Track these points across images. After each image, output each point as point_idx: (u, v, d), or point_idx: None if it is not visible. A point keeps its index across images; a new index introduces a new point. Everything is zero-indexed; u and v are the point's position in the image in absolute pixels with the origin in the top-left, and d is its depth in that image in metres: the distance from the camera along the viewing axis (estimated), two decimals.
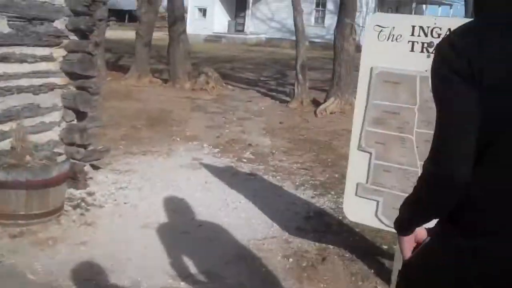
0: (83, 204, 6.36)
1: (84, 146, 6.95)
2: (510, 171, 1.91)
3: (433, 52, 2.78)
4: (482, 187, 1.93)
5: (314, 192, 7.47)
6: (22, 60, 6.45)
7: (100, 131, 7.93)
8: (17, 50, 6.39)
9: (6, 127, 6.30)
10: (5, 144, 6.24)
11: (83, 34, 6.93)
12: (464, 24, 1.98)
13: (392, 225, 2.22)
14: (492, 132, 1.87)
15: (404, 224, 2.16)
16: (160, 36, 26.16)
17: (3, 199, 5.51)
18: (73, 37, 6.88)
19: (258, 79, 20.17)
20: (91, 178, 7.02)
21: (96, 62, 7.67)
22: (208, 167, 8.35)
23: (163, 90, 16.66)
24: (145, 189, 7.14)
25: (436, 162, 1.92)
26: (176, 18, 17.94)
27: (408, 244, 2.19)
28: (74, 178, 6.62)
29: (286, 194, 7.39)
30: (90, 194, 6.66)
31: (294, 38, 16.06)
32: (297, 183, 7.84)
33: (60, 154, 6.41)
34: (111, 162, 8.08)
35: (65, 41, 6.83)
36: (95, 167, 7.44)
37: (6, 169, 5.58)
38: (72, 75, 6.88)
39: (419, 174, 1.99)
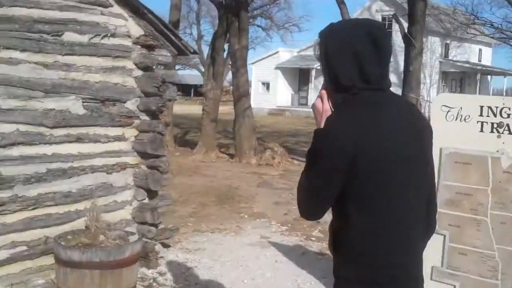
0: (155, 284, 6.38)
1: (155, 225, 7.01)
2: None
3: (503, 132, 2.96)
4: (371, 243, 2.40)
5: None
6: (96, 140, 6.65)
7: (169, 208, 7.99)
8: (91, 130, 6.60)
9: (81, 206, 6.49)
10: (80, 223, 6.40)
11: (153, 114, 7.09)
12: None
13: None
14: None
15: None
16: (225, 110, 26.52)
17: (78, 279, 5.57)
18: (144, 117, 7.05)
19: None
20: (162, 257, 7.04)
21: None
22: (277, 245, 8.27)
23: (229, 166, 16.83)
24: (215, 269, 7.12)
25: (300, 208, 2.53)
26: (241, 94, 18.26)
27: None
28: (146, 257, 6.67)
29: None
30: (161, 274, 6.68)
31: None
32: None
33: (132, 233, 6.45)
34: (180, 240, 8.13)
35: (137, 121, 7.01)
36: (165, 246, 7.49)
37: (81, 249, 5.66)
38: (143, 155, 7.01)
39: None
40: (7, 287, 5.87)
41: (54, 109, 6.25)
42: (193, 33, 50.41)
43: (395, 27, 35.85)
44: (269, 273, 7.03)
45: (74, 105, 6.43)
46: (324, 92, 2.53)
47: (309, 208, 2.52)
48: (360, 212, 2.36)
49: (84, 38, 6.50)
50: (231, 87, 41.10)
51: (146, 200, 7.08)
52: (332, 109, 2.47)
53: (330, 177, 2.35)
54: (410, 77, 14.12)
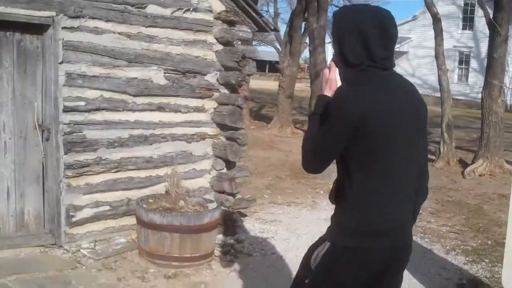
0: (232, 251, 6.48)
1: (233, 195, 7.12)
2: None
3: None
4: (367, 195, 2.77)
5: (466, 258, 7.04)
6: (176, 110, 6.80)
7: (246, 179, 8.08)
8: (172, 100, 6.74)
9: (161, 171, 6.70)
10: (160, 188, 6.62)
11: (232, 88, 7.17)
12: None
13: None
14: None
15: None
16: (300, 87, 26.49)
17: (159, 240, 5.79)
18: (224, 90, 7.14)
19: None
20: (239, 225, 7.13)
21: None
22: None
23: None
24: (291, 241, 7.16)
25: (304, 161, 2.88)
26: (318, 72, 18.18)
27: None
28: (224, 225, 6.78)
29: (436, 258, 7.04)
30: (238, 241, 6.77)
31: (436, 94, 15.72)
32: (447, 247, 7.47)
33: (211, 200, 6.60)
34: (257, 210, 8.22)
35: (216, 94, 7.10)
36: (243, 215, 7.61)
37: (162, 213, 5.84)
38: (222, 126, 7.11)
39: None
40: (91, 243, 6.13)
41: (137, 78, 6.43)
42: (270, 11, 50.45)
43: (479, 12, 34.84)
44: None
45: (156, 75, 6.59)
46: (333, 63, 2.91)
47: (312, 164, 2.88)
48: (359, 171, 2.75)
49: (167, 12, 6.62)
50: (306, 65, 40.87)
51: (224, 170, 7.19)
52: (340, 81, 2.85)
53: (336, 138, 2.74)
54: (494, 64, 13.71)
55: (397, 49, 40.53)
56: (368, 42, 2.74)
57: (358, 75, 2.77)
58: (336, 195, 2.92)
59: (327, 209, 8.83)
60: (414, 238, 7.47)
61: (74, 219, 6.09)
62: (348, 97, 2.70)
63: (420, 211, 8.97)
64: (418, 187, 2.94)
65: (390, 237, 2.80)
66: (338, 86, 2.83)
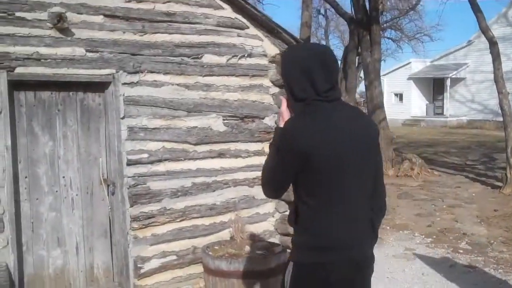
0: None
1: None
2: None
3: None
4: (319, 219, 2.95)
5: None
6: (237, 155, 6.89)
7: None
8: (232, 146, 6.83)
9: (225, 218, 6.77)
10: (225, 234, 6.69)
11: None
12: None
13: None
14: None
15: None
16: None
17: (226, 287, 5.75)
18: None
19: (465, 164, 19.18)
20: None
21: None
22: (423, 258, 8.08)
23: None
24: None
25: (263, 188, 3.09)
26: (375, 106, 18.01)
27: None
28: None
29: None
30: None
31: (498, 119, 15.41)
32: None
33: (276, 244, 6.58)
34: None
35: None
36: None
37: (228, 259, 5.87)
38: None
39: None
40: None
41: (196, 126, 6.55)
42: None
43: None
44: (417, 286, 6.90)
45: (215, 123, 6.70)
46: (283, 98, 3.17)
47: (269, 191, 3.09)
48: (309, 197, 2.95)
49: (223, 60, 6.76)
50: (362, 99, 40.75)
51: (288, 212, 7.18)
52: (292, 114, 3.07)
53: (287, 168, 2.93)
54: None
55: (453, 76, 40.45)
56: (311, 77, 2.97)
57: (304, 109, 2.98)
58: (295, 217, 3.10)
59: (394, 245, 8.73)
60: (487, 269, 7.43)
61: (142, 271, 6.20)
62: (295, 130, 2.90)
63: (491, 241, 8.95)
64: (373, 204, 3.09)
65: (342, 251, 2.96)
66: (287, 118, 3.07)
